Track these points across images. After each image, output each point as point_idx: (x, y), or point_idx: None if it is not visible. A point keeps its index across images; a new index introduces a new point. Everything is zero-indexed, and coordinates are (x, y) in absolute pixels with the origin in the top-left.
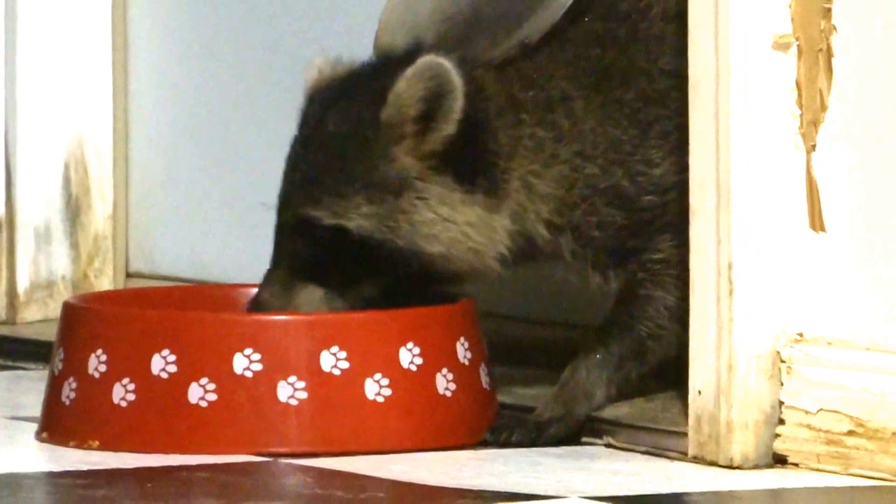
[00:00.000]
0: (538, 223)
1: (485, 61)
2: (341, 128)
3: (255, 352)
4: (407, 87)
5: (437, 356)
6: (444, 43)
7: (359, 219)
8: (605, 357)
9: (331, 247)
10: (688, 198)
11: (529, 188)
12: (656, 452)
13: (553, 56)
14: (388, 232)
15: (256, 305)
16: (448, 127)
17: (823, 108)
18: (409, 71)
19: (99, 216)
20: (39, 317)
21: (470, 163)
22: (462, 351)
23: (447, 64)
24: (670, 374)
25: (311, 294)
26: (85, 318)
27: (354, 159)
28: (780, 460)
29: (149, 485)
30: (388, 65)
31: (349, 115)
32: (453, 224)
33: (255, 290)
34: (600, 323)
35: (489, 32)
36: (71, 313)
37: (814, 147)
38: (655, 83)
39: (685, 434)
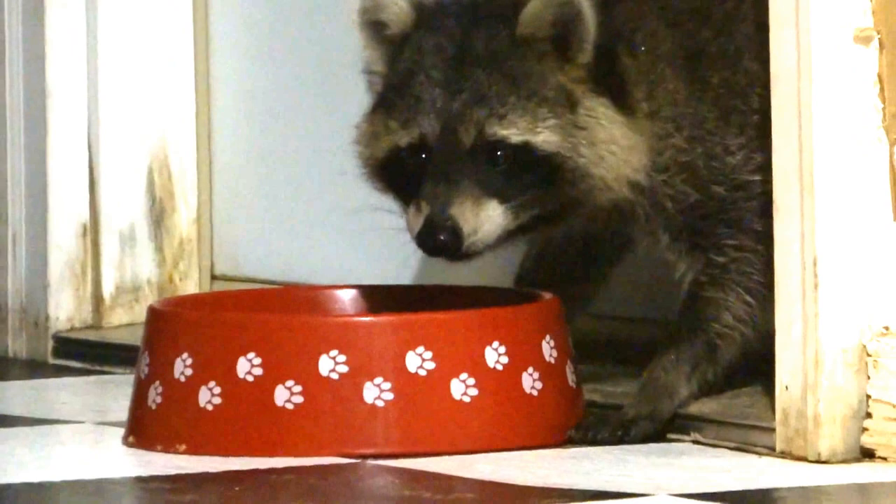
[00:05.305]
0: (639, 174)
1: None
2: (491, 47)
3: (340, 353)
4: (539, 9)
5: (522, 355)
6: None
7: (546, 132)
8: (679, 356)
9: (513, 164)
10: (756, 200)
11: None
12: (744, 448)
13: None
14: (570, 149)
15: (439, 223)
16: (583, 56)
17: None
18: None
19: (183, 219)
20: (125, 321)
21: (619, 88)
22: (548, 349)
23: None
24: (757, 370)
25: (495, 210)
26: (170, 322)
27: (520, 76)
28: (867, 454)
29: (236, 488)
30: None
31: (492, 35)
32: (617, 147)
33: (330, 289)
34: (670, 327)
35: None
36: (156, 317)
37: None
38: (740, 76)
39: (772, 429)
